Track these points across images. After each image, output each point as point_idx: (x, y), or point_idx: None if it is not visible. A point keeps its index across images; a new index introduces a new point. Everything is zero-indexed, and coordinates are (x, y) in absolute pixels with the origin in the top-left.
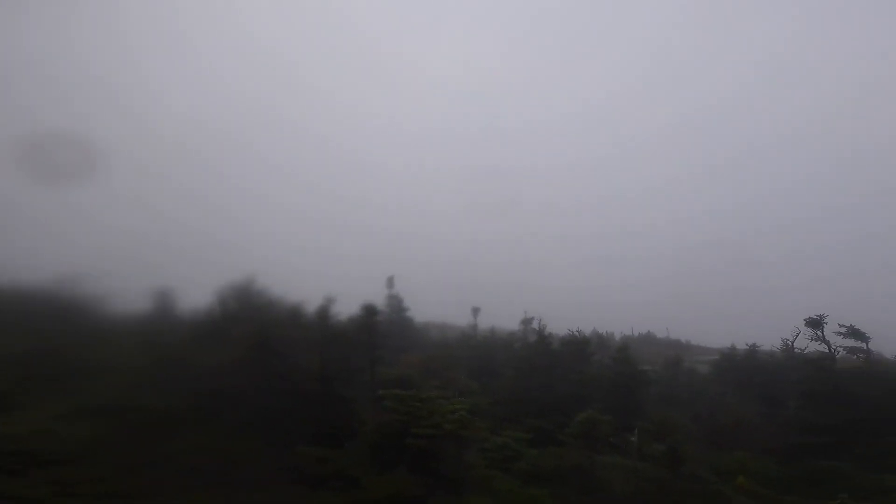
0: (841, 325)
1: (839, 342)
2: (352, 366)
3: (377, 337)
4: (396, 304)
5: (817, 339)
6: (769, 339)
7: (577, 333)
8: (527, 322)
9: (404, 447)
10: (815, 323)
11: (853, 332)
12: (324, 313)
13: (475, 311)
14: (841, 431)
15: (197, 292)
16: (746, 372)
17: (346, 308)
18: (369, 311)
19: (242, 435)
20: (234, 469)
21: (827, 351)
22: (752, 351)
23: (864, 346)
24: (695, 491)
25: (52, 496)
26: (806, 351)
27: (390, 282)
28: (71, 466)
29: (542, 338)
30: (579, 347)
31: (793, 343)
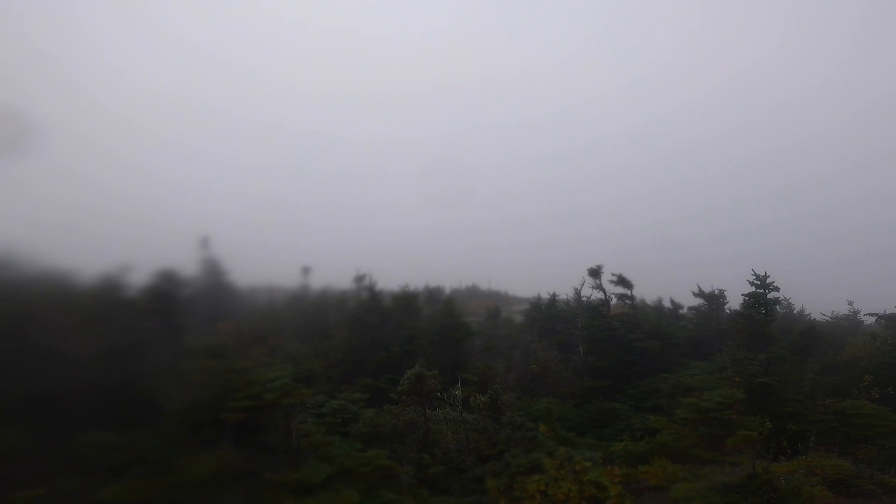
0: (613, 274)
1: (612, 290)
2: (145, 340)
3: (178, 304)
4: (213, 267)
5: (597, 287)
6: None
7: (406, 288)
8: (359, 279)
9: (222, 423)
10: (595, 272)
11: (621, 281)
12: (110, 282)
13: (305, 270)
14: (616, 374)
15: None
16: (548, 320)
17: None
18: (166, 276)
19: (5, 430)
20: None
21: (603, 298)
22: (553, 300)
23: (629, 293)
24: (515, 438)
25: None
26: (591, 299)
27: (205, 243)
28: None
29: (373, 294)
30: (409, 302)
31: (580, 291)
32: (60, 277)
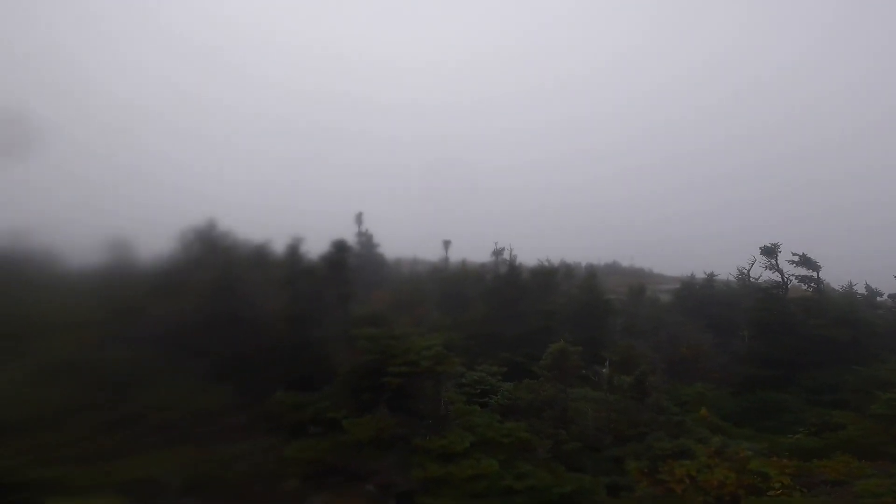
0: (794, 254)
1: (791, 271)
2: (322, 305)
3: (348, 273)
4: (366, 240)
5: (771, 267)
6: (729, 268)
7: (546, 263)
8: (497, 253)
9: (381, 387)
10: (770, 251)
11: (805, 261)
12: (293, 252)
13: (446, 243)
14: (788, 364)
15: (155, 240)
16: (703, 301)
17: (315, 247)
18: (339, 246)
19: (211, 386)
20: (206, 422)
21: (780, 280)
22: (710, 280)
23: (814, 275)
24: (660, 422)
25: (31, 464)
26: (760, 280)
27: (359, 218)
28: (45, 431)
29: (512, 269)
30: (547, 278)
31: (749, 272)
32: (256, 246)
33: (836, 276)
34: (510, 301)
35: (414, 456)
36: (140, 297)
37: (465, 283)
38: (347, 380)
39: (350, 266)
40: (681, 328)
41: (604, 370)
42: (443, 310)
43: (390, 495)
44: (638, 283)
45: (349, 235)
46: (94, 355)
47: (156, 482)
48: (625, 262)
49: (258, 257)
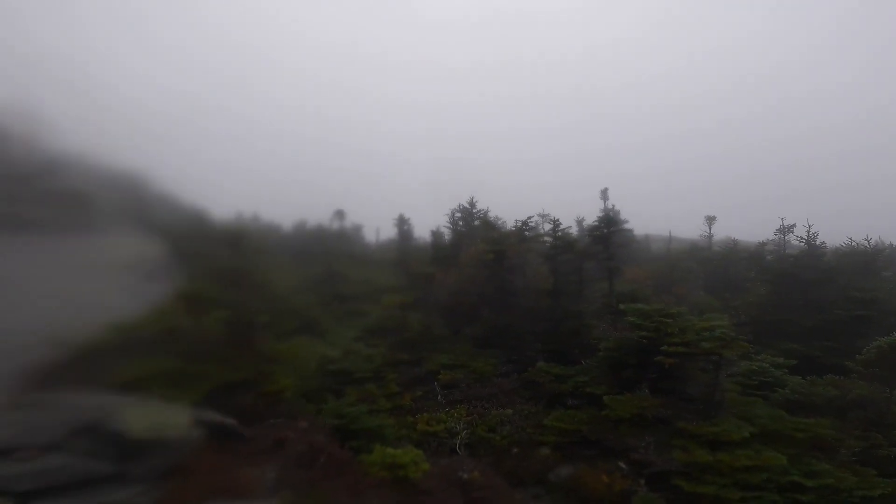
0: None
1: None
2: (584, 280)
3: (613, 248)
4: (614, 216)
5: None
6: None
7: (863, 243)
8: (784, 230)
9: (646, 366)
10: None
11: None
12: (554, 228)
13: (709, 219)
14: None
15: (426, 219)
16: None
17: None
18: (606, 221)
19: (483, 352)
20: (480, 385)
21: None
22: None
23: None
24: None
25: (367, 414)
26: None
27: (604, 194)
28: (371, 383)
29: (812, 248)
30: (864, 260)
31: None
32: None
33: None
34: (806, 285)
35: (677, 439)
36: (424, 267)
37: (736, 262)
38: (609, 355)
39: (614, 240)
40: None
41: None
42: (708, 291)
43: (642, 474)
44: None
45: (593, 211)
46: (400, 319)
47: (440, 438)
48: None
49: (519, 232)
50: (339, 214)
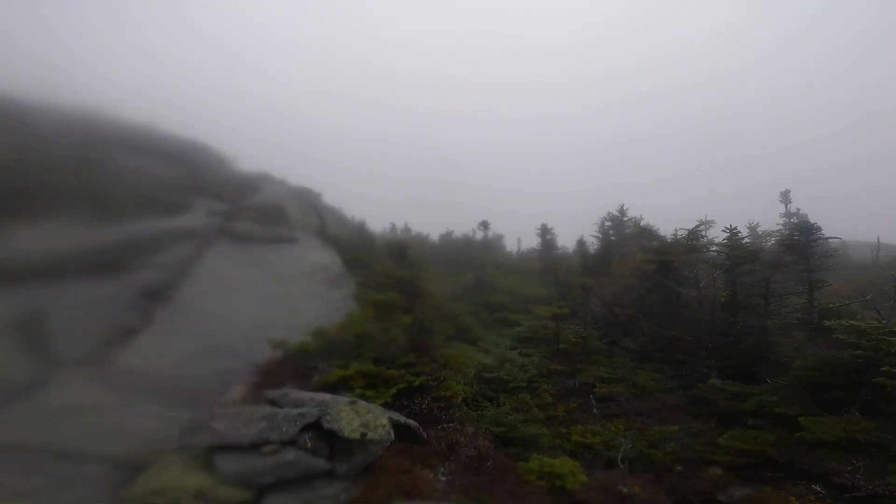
0: None
1: None
2: (770, 293)
3: (813, 259)
4: (800, 223)
5: None
6: None
7: None
8: None
9: (858, 387)
10: None
11: None
12: (731, 235)
13: None
14: None
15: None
16: None
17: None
18: (803, 228)
19: (644, 366)
20: (640, 400)
21: None
22: None
23: None
24: None
25: (521, 423)
26: None
27: (786, 196)
28: (524, 393)
29: None
30: None
31: None
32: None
33: None
34: None
35: (894, 464)
36: (573, 277)
37: None
38: (807, 374)
39: (815, 250)
40: None
41: None
42: None
43: (843, 499)
44: None
45: (772, 216)
46: (554, 330)
47: (595, 450)
48: None
49: (688, 241)
50: (484, 225)
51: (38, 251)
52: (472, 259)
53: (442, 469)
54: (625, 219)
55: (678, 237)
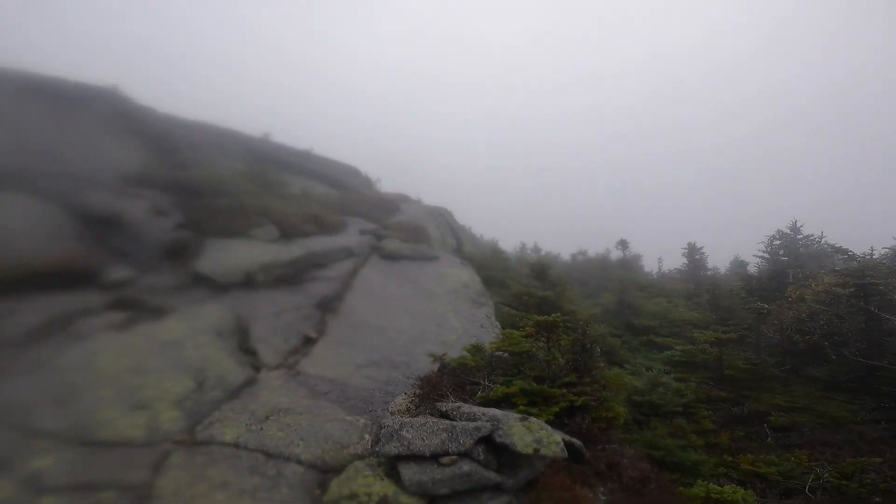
0: None
1: None
2: None
3: None
4: None
5: None
6: None
7: None
8: None
9: None
10: None
11: None
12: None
13: None
14: None
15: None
16: None
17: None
18: None
19: (833, 395)
20: (828, 431)
21: None
22: None
23: None
24: None
25: (679, 448)
26: None
27: None
28: (680, 418)
29: None
30: None
31: None
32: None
33: None
34: None
35: None
36: (736, 301)
37: None
38: None
39: None
40: None
41: None
42: None
43: None
44: None
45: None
46: (716, 355)
47: (769, 480)
48: None
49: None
50: (623, 244)
51: (240, 265)
52: (611, 280)
53: (602, 489)
54: (798, 237)
55: (873, 256)
